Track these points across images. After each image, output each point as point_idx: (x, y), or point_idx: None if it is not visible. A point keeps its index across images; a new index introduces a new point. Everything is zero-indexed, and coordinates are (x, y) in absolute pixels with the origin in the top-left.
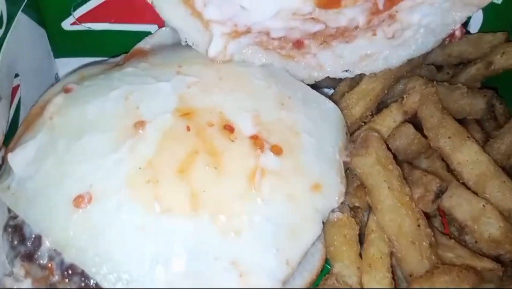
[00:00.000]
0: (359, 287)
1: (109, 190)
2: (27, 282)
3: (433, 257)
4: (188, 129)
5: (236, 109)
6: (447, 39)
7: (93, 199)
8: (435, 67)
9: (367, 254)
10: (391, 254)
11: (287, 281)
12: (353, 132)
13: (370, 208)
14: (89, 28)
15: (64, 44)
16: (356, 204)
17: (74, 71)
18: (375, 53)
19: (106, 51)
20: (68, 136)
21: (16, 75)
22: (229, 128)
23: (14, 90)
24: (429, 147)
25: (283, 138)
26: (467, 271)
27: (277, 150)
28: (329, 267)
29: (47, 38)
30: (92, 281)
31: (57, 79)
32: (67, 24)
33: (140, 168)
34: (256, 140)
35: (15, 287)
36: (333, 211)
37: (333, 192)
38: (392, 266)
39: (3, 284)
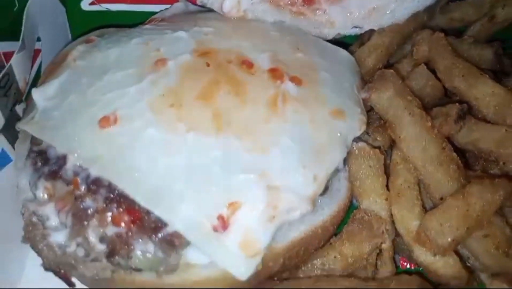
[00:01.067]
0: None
1: (133, 114)
2: (50, 205)
3: (462, 179)
4: (208, 65)
5: (253, 50)
6: None
7: (118, 120)
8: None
9: (394, 185)
10: (418, 184)
11: (316, 202)
12: (365, 83)
13: (392, 146)
14: (107, 8)
15: (81, 24)
16: (378, 141)
17: (93, 29)
18: (382, 6)
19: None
20: (91, 74)
21: (38, 39)
22: (247, 64)
23: (36, 52)
24: (444, 94)
25: (301, 73)
26: (500, 179)
27: (297, 81)
28: (355, 206)
29: (66, 17)
30: (118, 192)
31: None
32: (86, 4)
33: (163, 95)
34: (275, 73)
35: (37, 211)
36: (356, 141)
37: (355, 120)
38: (420, 196)
39: (26, 208)
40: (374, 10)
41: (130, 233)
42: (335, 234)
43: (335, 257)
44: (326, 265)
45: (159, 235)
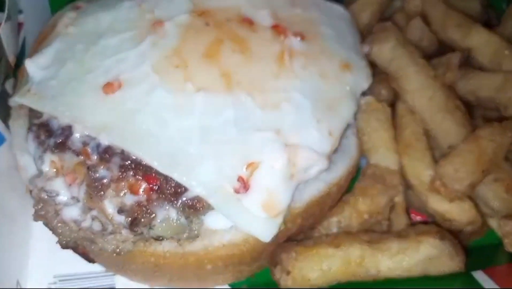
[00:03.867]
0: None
1: (137, 77)
2: (59, 180)
3: (468, 125)
4: (208, 24)
5: (252, 8)
6: None
7: (122, 85)
8: None
9: (402, 138)
10: (426, 134)
11: (331, 158)
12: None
13: (396, 100)
14: None
15: None
16: (382, 94)
17: None
18: None
19: None
20: (85, 40)
21: (20, 12)
22: (248, 21)
23: (20, 26)
24: (439, 45)
25: (303, 28)
26: (508, 121)
27: (300, 36)
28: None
29: None
30: (133, 158)
31: None
32: None
33: (166, 56)
34: (277, 29)
35: (45, 187)
36: (362, 96)
37: (361, 72)
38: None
39: (34, 184)
40: None
41: (150, 201)
42: (347, 192)
43: (350, 213)
44: (342, 222)
45: (180, 200)
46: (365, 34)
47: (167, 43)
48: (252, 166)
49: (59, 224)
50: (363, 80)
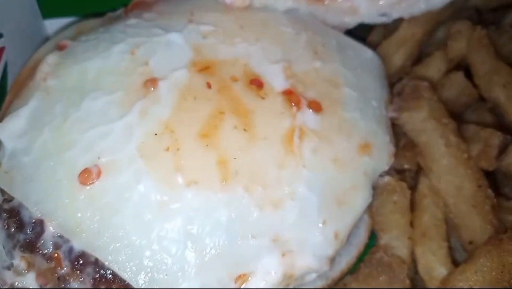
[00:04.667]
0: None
1: (120, 163)
2: (31, 276)
3: (495, 221)
4: (209, 86)
5: (264, 60)
6: None
7: (102, 173)
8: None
9: (420, 222)
10: (446, 221)
11: (333, 259)
12: (392, 85)
13: (419, 171)
14: None
15: (54, 2)
16: (405, 166)
17: (69, 25)
18: None
19: (101, 7)
20: (66, 100)
21: (1, 35)
22: (257, 83)
23: (0, 51)
24: (478, 100)
25: (321, 92)
26: None
27: (316, 107)
28: (373, 243)
29: None
30: (108, 271)
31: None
32: None
33: (156, 134)
34: (290, 96)
35: (16, 283)
36: (381, 175)
37: (382, 153)
38: (447, 235)
39: (3, 279)
40: None
41: None
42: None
43: None
44: None
45: None
46: (396, 80)
47: (159, 113)
48: (242, 279)
49: None
50: (383, 162)
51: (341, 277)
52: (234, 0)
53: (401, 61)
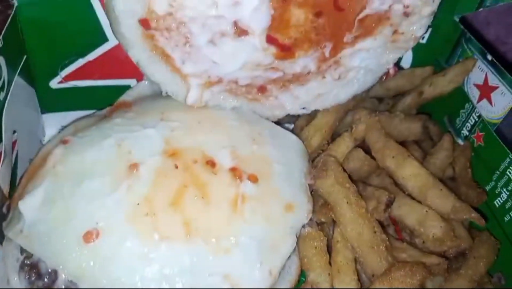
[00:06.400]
0: None
1: (112, 226)
2: None
3: (390, 258)
4: (176, 167)
5: (215, 146)
6: (384, 76)
7: (100, 234)
8: (376, 100)
9: (335, 262)
10: (355, 260)
11: None
12: (313, 159)
13: (334, 222)
14: (74, 85)
15: (51, 101)
16: (322, 220)
17: (68, 125)
18: (326, 92)
19: (90, 105)
20: (71, 181)
21: (14, 132)
22: (211, 163)
23: (13, 145)
24: (378, 167)
25: (257, 168)
26: (417, 265)
27: (253, 179)
28: (304, 278)
29: (36, 96)
30: None
31: (43, 133)
32: (54, 83)
33: (138, 204)
34: (235, 172)
35: None
36: (303, 227)
37: (303, 210)
38: (357, 270)
39: None
40: (319, 96)
41: None
42: None
43: None
44: None
45: None
46: (315, 156)
47: (140, 189)
48: None
49: None
50: (303, 217)
51: None
52: (194, 102)
53: (317, 142)
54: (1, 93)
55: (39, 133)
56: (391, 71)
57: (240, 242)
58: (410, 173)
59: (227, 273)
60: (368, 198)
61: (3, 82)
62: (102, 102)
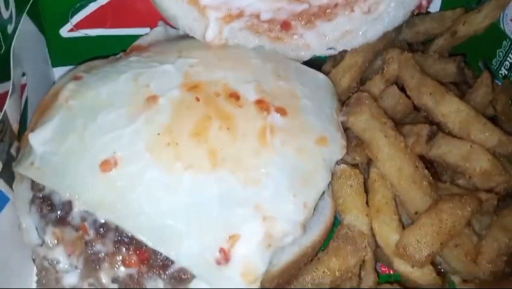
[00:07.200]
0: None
1: (132, 155)
2: (59, 249)
3: (434, 194)
4: (198, 99)
5: (239, 81)
6: (415, 10)
7: (118, 163)
8: (407, 44)
9: (373, 202)
10: (395, 199)
11: (306, 225)
12: (342, 103)
13: (369, 163)
14: (86, 34)
15: (61, 52)
16: (356, 160)
17: (79, 64)
18: (354, 29)
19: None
20: (85, 115)
21: (23, 74)
22: (235, 96)
23: (22, 88)
24: (413, 109)
25: (285, 102)
26: (468, 196)
27: (282, 111)
28: (339, 221)
29: (46, 46)
30: (126, 235)
31: None
32: (65, 31)
33: (158, 134)
34: (261, 104)
35: (47, 256)
36: (337, 164)
37: (336, 145)
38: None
39: (36, 253)
40: (347, 33)
41: (140, 273)
42: (322, 248)
43: (323, 272)
44: (315, 279)
45: (168, 272)
46: (344, 98)
47: (160, 119)
48: (233, 239)
49: None
50: (337, 152)
51: (314, 247)
52: (213, 39)
53: (347, 83)
54: (9, 25)
55: (49, 86)
56: (424, 2)
57: (271, 174)
58: (450, 109)
59: (258, 205)
60: (407, 136)
61: (11, 14)
62: (116, 52)
